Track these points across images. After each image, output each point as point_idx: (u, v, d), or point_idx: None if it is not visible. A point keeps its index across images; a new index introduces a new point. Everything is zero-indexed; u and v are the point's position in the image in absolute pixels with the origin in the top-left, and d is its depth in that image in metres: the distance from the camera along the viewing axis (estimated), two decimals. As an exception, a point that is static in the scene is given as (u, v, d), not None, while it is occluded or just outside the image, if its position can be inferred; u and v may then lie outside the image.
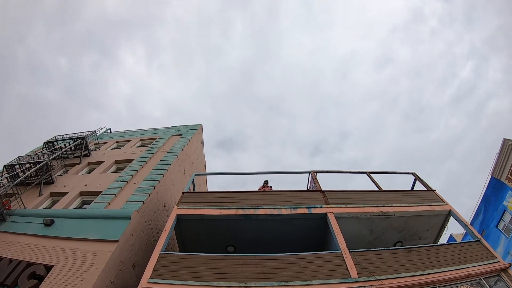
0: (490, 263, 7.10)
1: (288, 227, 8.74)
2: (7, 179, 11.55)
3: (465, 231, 10.35)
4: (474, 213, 20.09)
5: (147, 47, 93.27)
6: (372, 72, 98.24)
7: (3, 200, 10.37)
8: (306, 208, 8.58)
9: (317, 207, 8.60)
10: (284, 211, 8.49)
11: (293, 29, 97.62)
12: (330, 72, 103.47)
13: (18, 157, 13.72)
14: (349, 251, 7.13)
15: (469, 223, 9.31)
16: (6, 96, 62.78)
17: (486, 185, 18.90)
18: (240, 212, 8.48)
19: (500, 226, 17.56)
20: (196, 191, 10.91)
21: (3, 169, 12.61)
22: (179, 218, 8.52)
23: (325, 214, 8.40)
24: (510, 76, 70.90)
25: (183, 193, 9.42)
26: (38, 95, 70.02)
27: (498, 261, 7.17)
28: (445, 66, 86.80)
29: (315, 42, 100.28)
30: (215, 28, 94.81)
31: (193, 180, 10.58)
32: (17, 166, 12.50)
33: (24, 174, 11.91)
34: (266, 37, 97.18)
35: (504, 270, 6.90)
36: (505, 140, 17.20)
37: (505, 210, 17.19)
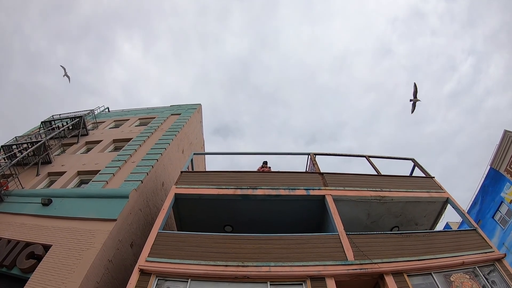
0: (485, 253, 7.11)
1: (286, 208, 8.72)
2: (5, 160, 11.47)
3: (461, 220, 10.38)
4: (471, 202, 20.21)
5: (144, 35, 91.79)
6: (370, 64, 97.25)
7: (1, 180, 10.32)
8: (304, 189, 8.53)
9: (316, 189, 8.55)
10: (282, 192, 8.44)
11: (291, 19, 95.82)
12: (328, 62, 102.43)
13: (15, 137, 13.55)
14: (346, 234, 7.13)
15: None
16: (2, 83, 62.01)
17: (484, 175, 18.94)
18: (239, 192, 8.43)
19: (497, 217, 17.67)
20: (194, 170, 10.85)
21: (0, 149, 12.49)
22: (177, 197, 8.47)
23: (323, 196, 8.36)
24: (511, 73, 70.21)
25: (181, 172, 9.35)
26: (35, 82, 69.19)
27: (493, 251, 7.17)
28: (445, 61, 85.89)
29: (313, 32, 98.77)
30: (213, 17, 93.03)
31: (192, 160, 10.48)
32: (14, 146, 12.36)
33: (21, 154, 11.76)
34: (264, 26, 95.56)
35: (499, 260, 6.91)
36: (506, 131, 17.13)
37: (502, 202, 17.26)
